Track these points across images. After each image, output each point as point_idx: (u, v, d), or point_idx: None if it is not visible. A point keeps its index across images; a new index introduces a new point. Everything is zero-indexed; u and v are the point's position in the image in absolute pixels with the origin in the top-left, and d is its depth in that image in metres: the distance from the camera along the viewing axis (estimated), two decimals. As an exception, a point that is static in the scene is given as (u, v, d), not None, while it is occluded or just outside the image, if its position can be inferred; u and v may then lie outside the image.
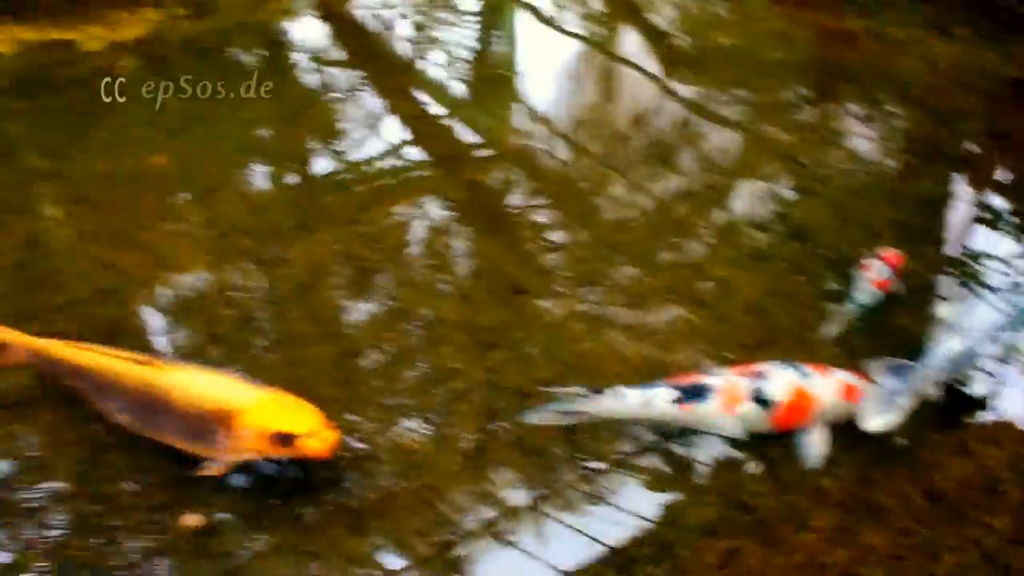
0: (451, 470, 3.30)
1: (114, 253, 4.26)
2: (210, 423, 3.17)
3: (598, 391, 3.37)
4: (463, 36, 6.51)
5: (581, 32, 6.71)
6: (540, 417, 3.37)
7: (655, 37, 6.57)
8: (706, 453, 3.37)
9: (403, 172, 4.98)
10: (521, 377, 3.62)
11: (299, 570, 3.04)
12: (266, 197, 4.73)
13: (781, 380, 3.36)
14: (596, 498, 3.23)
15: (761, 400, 3.34)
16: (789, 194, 4.74)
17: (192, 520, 3.14)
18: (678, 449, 3.40)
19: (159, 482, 3.27)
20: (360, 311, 3.98)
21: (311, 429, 3.06)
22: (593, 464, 3.35)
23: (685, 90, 5.78)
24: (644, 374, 3.56)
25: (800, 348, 3.71)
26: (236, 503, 3.20)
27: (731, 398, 3.33)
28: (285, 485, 3.26)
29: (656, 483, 3.28)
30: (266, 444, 3.10)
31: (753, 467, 3.34)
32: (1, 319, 3.64)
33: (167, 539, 3.10)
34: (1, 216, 4.53)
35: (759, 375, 3.38)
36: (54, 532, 3.16)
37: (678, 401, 3.32)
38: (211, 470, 3.18)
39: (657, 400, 3.32)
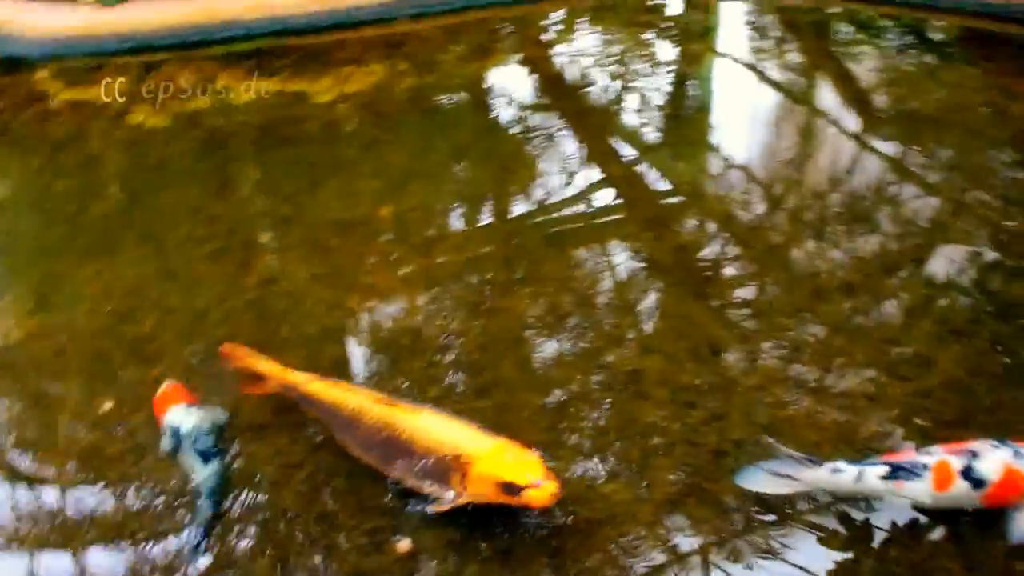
0: (646, 520, 3.46)
1: (341, 294, 4.64)
2: (445, 466, 3.41)
3: (814, 461, 3.42)
4: (660, 84, 6.70)
5: (780, 82, 6.71)
6: (756, 482, 3.46)
7: (857, 92, 6.50)
8: (886, 517, 3.40)
9: (604, 222, 5.21)
10: (717, 436, 3.75)
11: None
12: (481, 247, 5.01)
13: (994, 459, 3.31)
14: (774, 554, 3.34)
15: (974, 479, 3.30)
16: (993, 265, 4.64)
17: (404, 546, 3.40)
18: (856, 511, 3.46)
19: (375, 509, 3.55)
20: (566, 362, 4.19)
21: (536, 480, 3.25)
22: (778, 525, 3.44)
23: (886, 148, 5.69)
24: (837, 442, 3.64)
25: (1000, 429, 3.58)
26: (444, 533, 3.43)
27: (944, 477, 3.31)
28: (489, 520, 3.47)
29: (839, 545, 3.34)
30: (494, 491, 3.30)
31: (940, 537, 3.34)
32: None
33: (379, 560, 3.38)
34: (245, 256, 5.01)
35: (972, 454, 3.34)
36: (275, 548, 3.46)
37: (890, 478, 3.34)
38: (439, 507, 3.41)
39: (870, 476, 3.34)
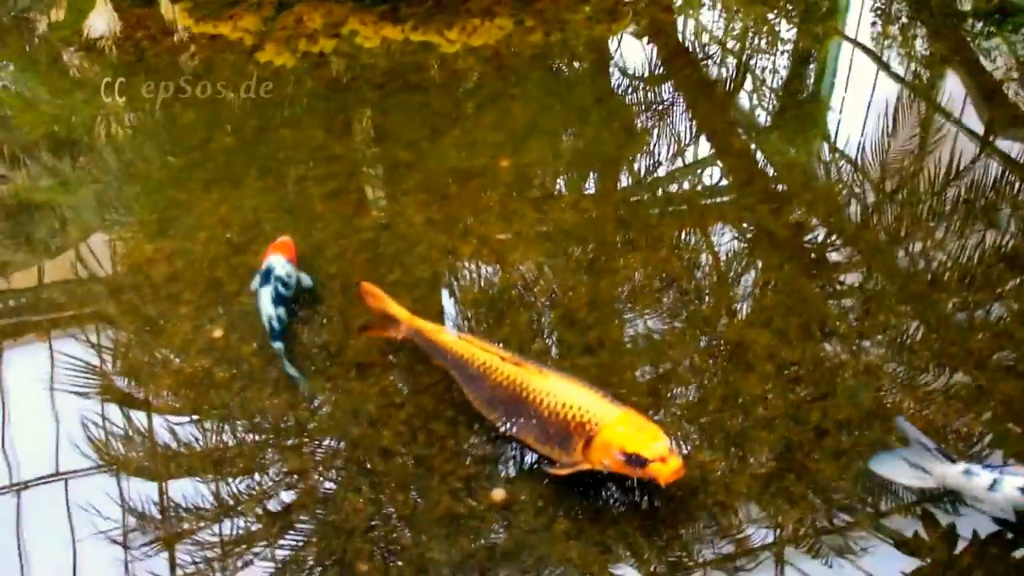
0: (741, 491, 3.42)
1: (455, 242, 4.64)
2: (570, 432, 3.35)
3: (948, 456, 3.27)
4: (783, 63, 6.57)
5: (904, 69, 6.49)
6: (889, 468, 3.35)
7: (987, 88, 6.21)
8: (970, 524, 3.28)
9: (719, 193, 5.14)
10: (820, 415, 3.65)
11: (587, 556, 3.22)
12: (595, 208, 4.97)
13: None
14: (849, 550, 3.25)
15: None
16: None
17: (498, 495, 3.40)
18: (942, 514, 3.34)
19: (473, 456, 3.55)
20: (672, 328, 4.15)
21: (661, 454, 3.19)
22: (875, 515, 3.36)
23: (1013, 149, 5.41)
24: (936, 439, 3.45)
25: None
26: (538, 488, 3.41)
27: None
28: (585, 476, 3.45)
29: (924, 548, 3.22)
30: (617, 461, 3.24)
31: None
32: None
33: (473, 506, 3.37)
34: (361, 197, 5.09)
35: None
36: (370, 486, 3.46)
37: None
38: (558, 471, 3.37)
39: (1008, 486, 3.14)
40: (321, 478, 3.51)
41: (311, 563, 3.21)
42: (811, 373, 3.86)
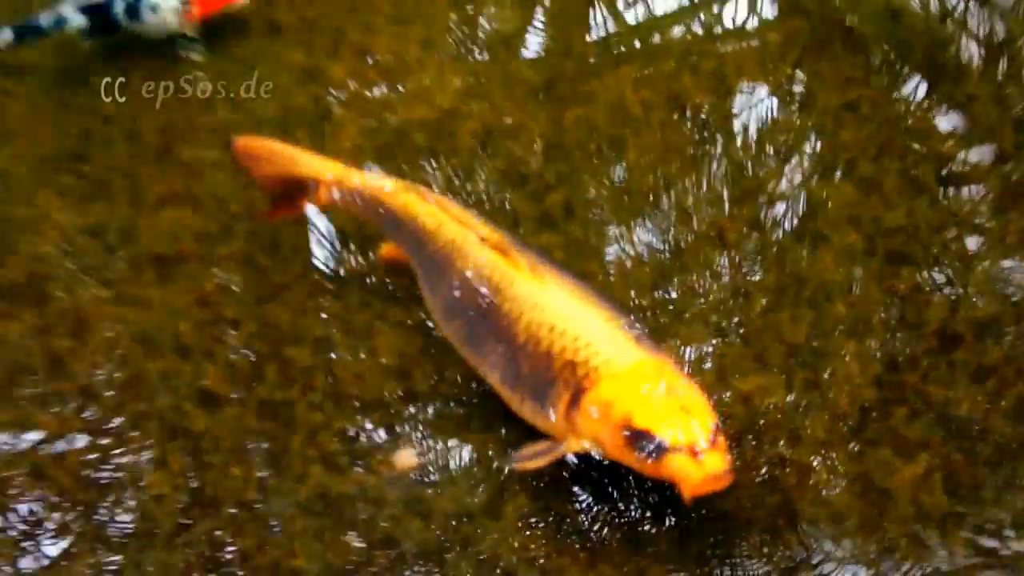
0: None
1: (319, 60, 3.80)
2: (552, 375, 2.58)
3: None
4: None
5: None
6: None
7: None
8: None
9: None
10: (945, 311, 2.82)
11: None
12: None
13: None
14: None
15: None
16: None
17: (405, 459, 2.67)
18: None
19: (365, 400, 2.83)
20: (685, 181, 3.24)
21: (694, 442, 2.35)
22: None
23: None
24: None
25: None
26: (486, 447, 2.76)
27: None
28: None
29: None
30: (618, 440, 2.43)
31: None
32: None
33: (362, 480, 2.69)
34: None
35: None
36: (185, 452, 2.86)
37: None
38: (523, 464, 2.61)
39: None
40: (94, 450, 2.90)
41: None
42: (922, 245, 3.08)
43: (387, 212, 3.03)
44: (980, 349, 2.78)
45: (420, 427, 2.84)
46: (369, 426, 2.87)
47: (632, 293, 3.05)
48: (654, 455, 2.37)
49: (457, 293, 2.83)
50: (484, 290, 2.76)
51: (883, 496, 2.53)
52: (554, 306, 2.65)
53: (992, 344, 2.80)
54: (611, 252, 3.14)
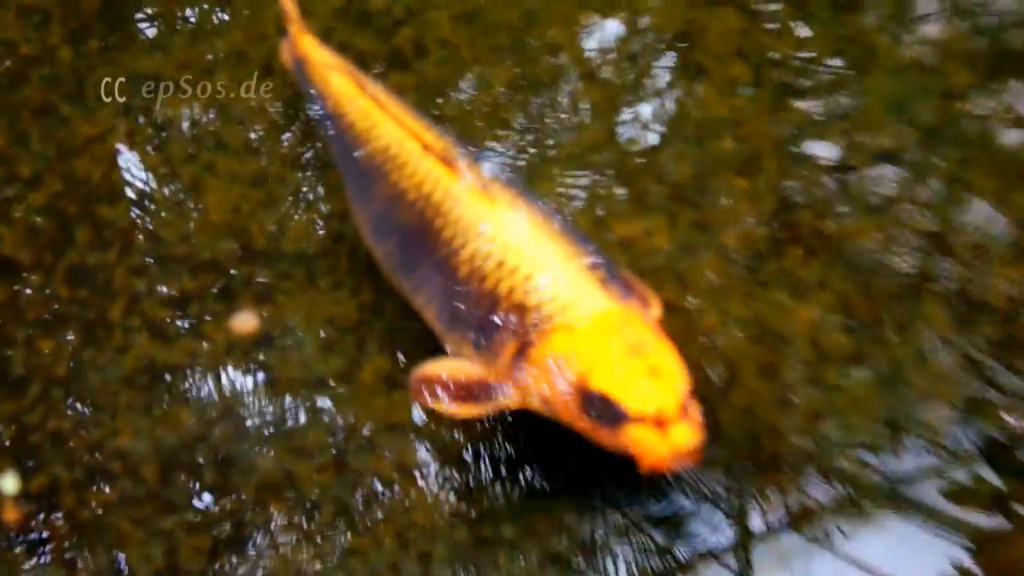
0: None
1: None
2: (497, 316, 2.20)
3: None
4: None
5: None
6: None
7: None
8: None
9: None
10: (841, 143, 2.65)
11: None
12: None
13: None
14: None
15: None
16: None
17: (244, 323, 2.43)
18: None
19: (199, 259, 2.53)
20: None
21: (660, 410, 1.99)
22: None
23: None
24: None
25: None
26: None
27: None
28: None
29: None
30: (569, 400, 2.09)
31: None
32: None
33: (205, 349, 2.44)
34: None
35: None
36: None
37: None
38: (450, 408, 2.20)
39: None
40: None
41: None
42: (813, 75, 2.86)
43: (317, 96, 2.61)
44: (876, 180, 2.63)
45: (260, 288, 2.53)
46: (200, 290, 2.56)
47: (497, 134, 2.77)
48: (610, 423, 2.04)
49: (390, 210, 2.43)
50: (423, 210, 2.36)
51: (780, 340, 2.38)
52: (505, 236, 2.26)
53: (889, 176, 2.64)
54: (469, 91, 2.85)
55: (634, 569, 2.31)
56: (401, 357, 2.50)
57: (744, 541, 2.30)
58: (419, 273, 2.36)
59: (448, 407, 2.21)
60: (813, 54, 2.93)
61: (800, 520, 2.27)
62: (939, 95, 2.72)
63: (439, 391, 2.22)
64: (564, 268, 2.19)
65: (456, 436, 2.38)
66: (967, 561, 2.16)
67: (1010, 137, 2.65)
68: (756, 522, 2.29)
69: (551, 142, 2.79)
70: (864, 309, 2.43)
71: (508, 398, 2.19)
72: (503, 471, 2.34)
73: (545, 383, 2.13)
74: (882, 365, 2.39)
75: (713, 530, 2.33)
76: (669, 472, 2.13)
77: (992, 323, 2.41)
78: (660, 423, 1.98)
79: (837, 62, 2.94)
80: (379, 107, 2.48)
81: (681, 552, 2.30)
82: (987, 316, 2.42)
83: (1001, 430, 2.31)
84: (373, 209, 2.46)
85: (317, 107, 2.60)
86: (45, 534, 2.34)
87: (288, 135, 2.76)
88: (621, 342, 2.09)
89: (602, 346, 2.09)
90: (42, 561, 2.33)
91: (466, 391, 2.23)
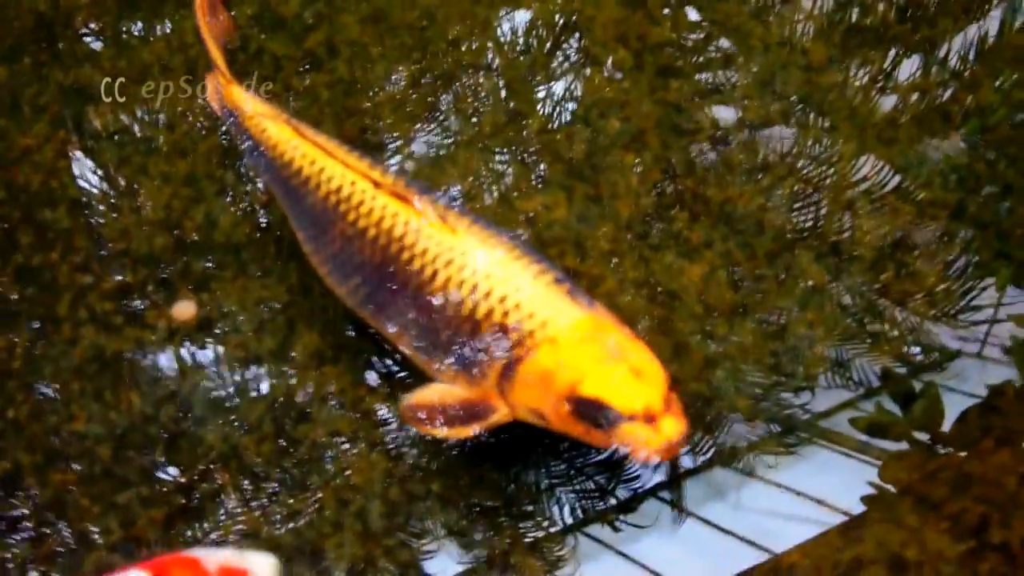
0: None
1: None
2: (475, 342, 2.22)
3: None
4: None
5: None
6: None
7: None
8: None
9: None
10: (715, 117, 2.77)
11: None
12: None
13: None
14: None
15: None
16: None
17: (183, 310, 2.54)
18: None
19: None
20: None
21: (649, 406, 2.08)
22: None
23: None
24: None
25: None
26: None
27: None
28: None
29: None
30: (561, 410, 2.11)
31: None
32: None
33: (138, 337, 2.55)
34: None
35: None
36: None
37: None
38: (443, 431, 2.21)
39: None
40: None
41: None
42: (688, 56, 3.01)
43: (255, 147, 2.54)
44: (750, 147, 2.78)
45: (196, 277, 2.65)
46: (141, 282, 2.65)
47: (406, 125, 2.87)
48: (605, 425, 2.10)
49: (350, 250, 2.39)
50: (386, 245, 2.32)
51: (672, 297, 2.53)
52: (472, 262, 2.25)
53: (763, 145, 2.79)
54: (378, 86, 2.96)
55: (577, 512, 2.38)
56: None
57: (678, 477, 2.41)
58: (391, 307, 2.34)
59: (442, 431, 2.22)
60: (690, 37, 3.02)
61: (729, 456, 2.40)
62: (802, 68, 2.86)
63: (432, 417, 2.23)
64: (534, 285, 2.20)
65: (385, 405, 2.48)
66: (875, 477, 2.27)
67: (867, 102, 2.79)
68: (688, 460, 2.40)
69: (456, 129, 2.87)
70: (747, 265, 2.59)
71: (499, 415, 2.21)
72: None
73: (536, 396, 2.17)
74: (765, 315, 2.54)
75: (649, 469, 2.37)
76: (664, 461, 2.24)
77: (862, 271, 2.57)
78: (650, 418, 2.06)
79: (712, 44, 3.02)
80: (323, 150, 2.43)
81: (619, 492, 2.39)
82: (858, 264, 2.56)
83: (885, 363, 2.47)
84: (331, 251, 2.42)
85: (256, 156, 2.55)
86: (14, 514, 2.41)
87: (214, 137, 2.83)
88: (601, 348, 2.14)
89: (586, 354, 2.13)
90: (10, 539, 2.39)
91: (457, 414, 2.23)
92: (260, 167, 2.55)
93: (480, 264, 2.23)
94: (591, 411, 2.08)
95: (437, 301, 2.23)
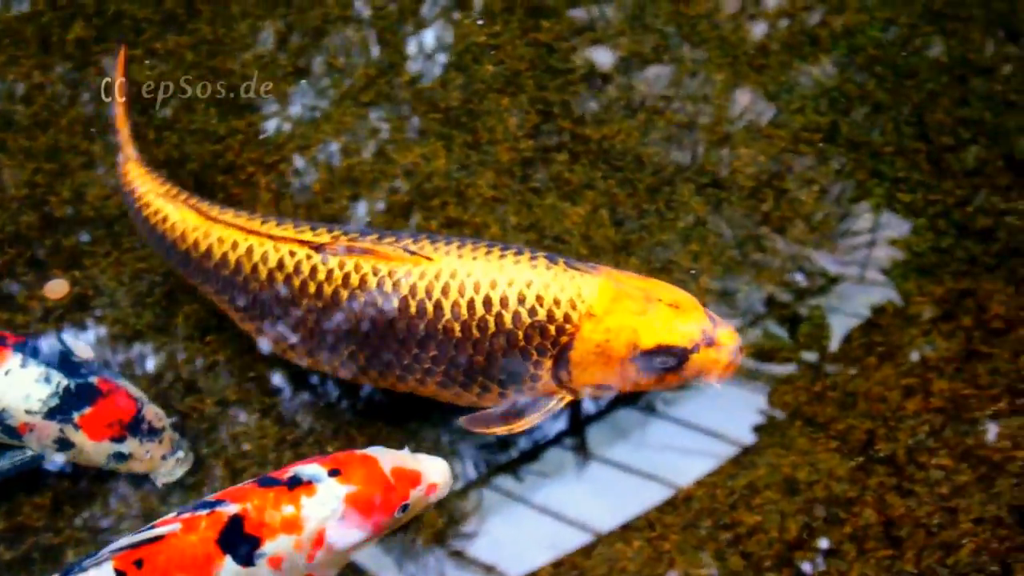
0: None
1: None
2: (514, 351, 2.15)
3: None
4: None
5: None
6: None
7: None
8: None
9: None
10: (589, 55, 2.77)
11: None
12: None
13: None
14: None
15: None
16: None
17: (56, 289, 2.48)
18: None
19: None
20: None
21: (705, 332, 2.11)
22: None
23: None
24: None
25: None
26: None
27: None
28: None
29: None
30: (628, 370, 2.13)
31: None
32: None
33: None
34: None
35: None
36: None
37: None
38: (504, 429, 2.20)
39: None
40: None
41: None
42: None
43: (159, 232, 2.35)
44: (626, 84, 2.78)
45: (67, 254, 2.58)
46: (9, 264, 2.58)
47: (275, 85, 2.83)
48: (676, 366, 2.14)
49: (330, 321, 2.24)
50: (370, 301, 2.19)
51: (557, 241, 2.54)
52: (473, 280, 2.17)
53: (639, 81, 2.80)
54: (250, 47, 2.90)
55: (481, 466, 2.38)
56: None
57: (579, 422, 2.42)
58: (402, 361, 2.23)
59: (503, 430, 2.21)
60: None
61: (629, 397, 2.40)
62: (669, 1, 2.89)
63: (492, 422, 2.22)
64: (541, 274, 2.17)
65: (269, 373, 2.44)
66: (764, 405, 2.33)
67: (737, 31, 2.84)
68: (588, 405, 2.40)
69: (327, 84, 2.84)
70: (628, 203, 2.61)
71: (559, 403, 2.22)
72: (319, 395, 2.41)
73: (598, 372, 2.17)
74: (649, 251, 2.57)
75: (550, 417, 2.32)
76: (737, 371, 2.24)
77: (740, 200, 2.61)
78: (708, 341, 2.12)
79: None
80: (239, 229, 2.28)
81: (523, 441, 2.39)
82: (736, 195, 2.60)
83: (773, 289, 2.50)
84: (306, 329, 2.27)
85: (159, 240, 2.39)
86: None
87: (75, 106, 2.77)
88: (634, 301, 2.16)
89: (626, 312, 2.14)
90: None
91: (516, 412, 2.23)
92: (166, 253, 2.35)
93: (479, 279, 2.16)
94: (658, 360, 2.13)
95: (456, 334, 2.16)
